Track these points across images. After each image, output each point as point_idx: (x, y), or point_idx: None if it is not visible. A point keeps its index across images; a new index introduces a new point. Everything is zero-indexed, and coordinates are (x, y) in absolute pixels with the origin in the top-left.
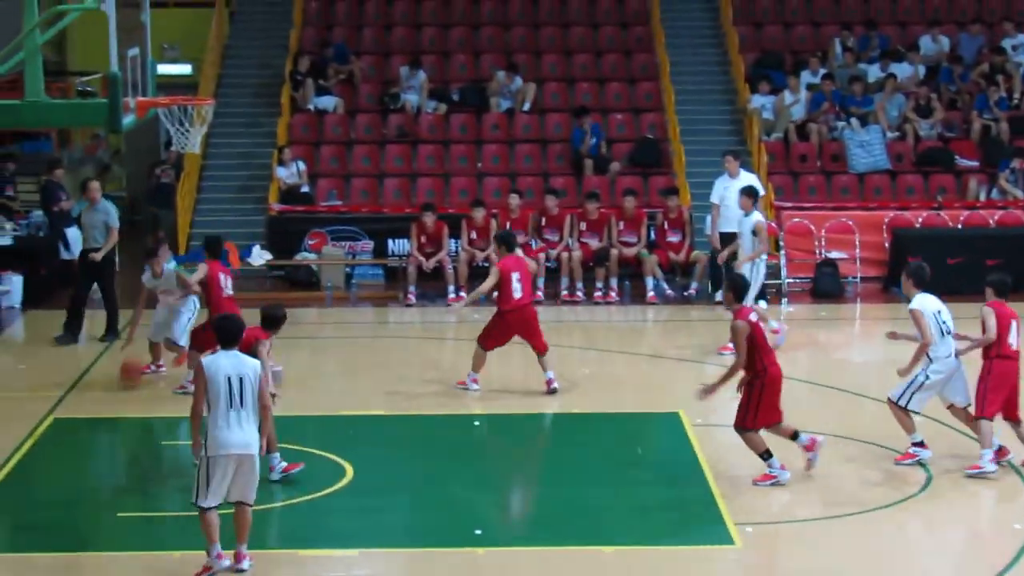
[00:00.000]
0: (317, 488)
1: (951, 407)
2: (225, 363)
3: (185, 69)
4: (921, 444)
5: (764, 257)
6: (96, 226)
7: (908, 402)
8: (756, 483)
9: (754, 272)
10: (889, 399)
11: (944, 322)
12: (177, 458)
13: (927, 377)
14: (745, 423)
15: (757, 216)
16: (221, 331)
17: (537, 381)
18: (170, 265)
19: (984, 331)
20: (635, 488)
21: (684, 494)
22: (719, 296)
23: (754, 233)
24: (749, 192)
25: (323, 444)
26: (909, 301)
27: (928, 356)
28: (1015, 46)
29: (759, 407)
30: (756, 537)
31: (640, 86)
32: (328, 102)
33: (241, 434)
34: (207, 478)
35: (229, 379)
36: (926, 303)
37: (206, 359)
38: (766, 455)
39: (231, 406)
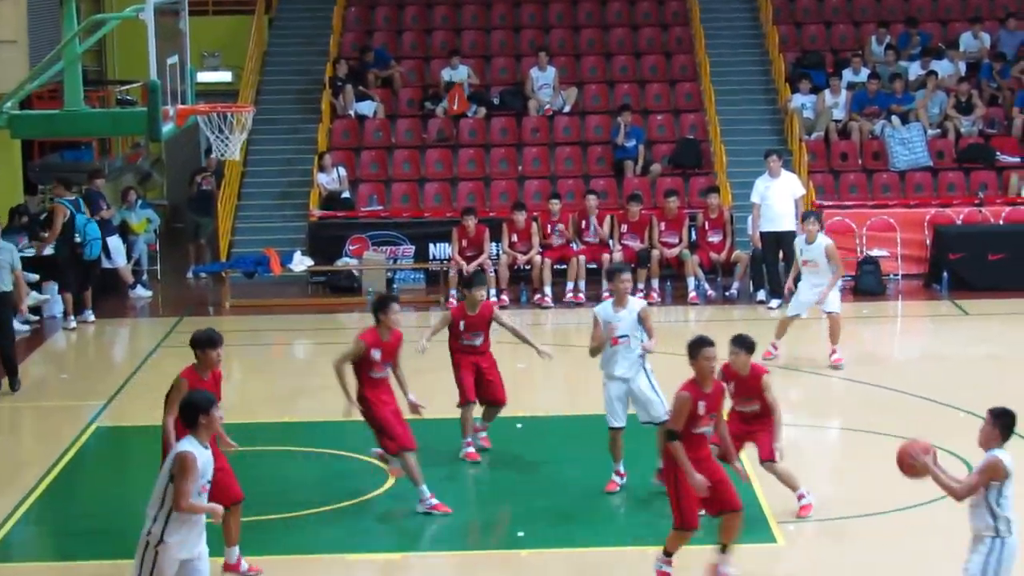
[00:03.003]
0: (361, 492)
1: None
2: (204, 460)
3: (225, 76)
4: None
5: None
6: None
7: None
8: None
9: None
10: None
11: None
12: None
13: None
14: None
15: (826, 240)
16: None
17: (582, 381)
18: None
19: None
20: None
21: None
22: (761, 296)
23: (828, 258)
24: (817, 219)
25: (365, 449)
26: None
27: None
28: None
29: None
30: (799, 535)
31: (680, 87)
32: (368, 107)
33: (202, 538)
34: None
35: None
36: None
37: (199, 453)
38: None
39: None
